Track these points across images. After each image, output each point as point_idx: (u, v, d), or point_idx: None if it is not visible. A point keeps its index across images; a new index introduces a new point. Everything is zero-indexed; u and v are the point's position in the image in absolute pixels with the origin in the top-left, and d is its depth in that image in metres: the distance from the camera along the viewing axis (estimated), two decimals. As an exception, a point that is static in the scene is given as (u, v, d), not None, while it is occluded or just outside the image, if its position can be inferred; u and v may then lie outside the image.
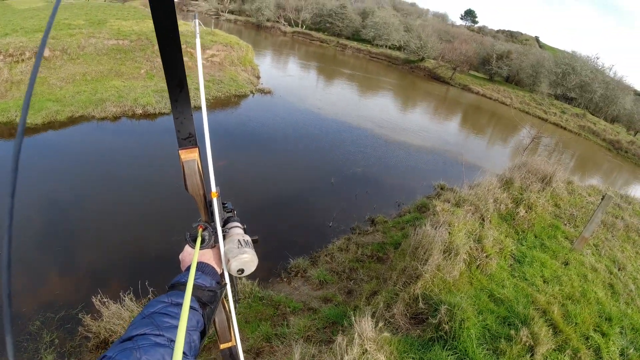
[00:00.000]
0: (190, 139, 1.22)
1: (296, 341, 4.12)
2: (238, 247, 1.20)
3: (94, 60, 19.80)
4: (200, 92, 1.27)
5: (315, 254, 8.90)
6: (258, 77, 26.34)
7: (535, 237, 7.68)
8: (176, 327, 0.91)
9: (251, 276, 7.27)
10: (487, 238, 6.53)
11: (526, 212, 8.15)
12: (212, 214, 1.28)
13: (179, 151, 1.21)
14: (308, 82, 30.48)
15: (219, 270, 1.26)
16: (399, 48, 53.84)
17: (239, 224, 1.39)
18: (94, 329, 6.05)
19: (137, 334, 0.87)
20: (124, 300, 6.25)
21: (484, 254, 6.10)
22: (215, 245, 1.27)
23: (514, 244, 7.02)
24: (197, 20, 1.49)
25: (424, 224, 6.44)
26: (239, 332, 4.97)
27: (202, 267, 1.21)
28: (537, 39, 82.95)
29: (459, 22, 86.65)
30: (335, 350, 3.64)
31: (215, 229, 1.26)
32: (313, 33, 60.76)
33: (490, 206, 7.90)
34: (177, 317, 0.96)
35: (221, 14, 69.55)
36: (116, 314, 6.01)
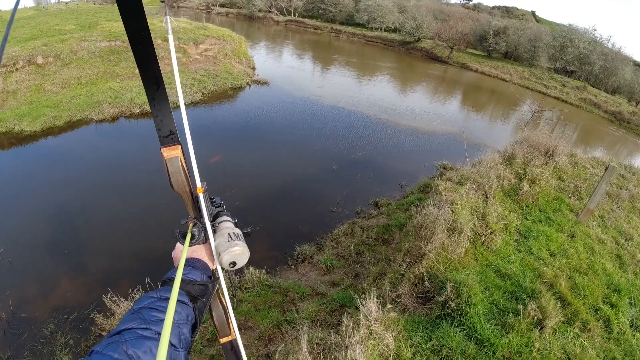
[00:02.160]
0: (171, 137, 1.20)
1: (304, 324, 4.14)
2: (228, 241, 1.20)
3: (88, 64, 19.75)
4: (177, 87, 1.25)
5: (321, 240, 8.95)
6: (253, 69, 26.19)
7: (540, 211, 7.65)
8: (164, 320, 0.93)
9: (259, 265, 7.37)
10: (491, 214, 6.52)
11: (530, 186, 8.11)
12: (200, 209, 1.28)
13: (161, 149, 1.20)
14: (304, 71, 30.15)
15: (211, 266, 1.26)
16: (394, 30, 53.10)
17: (229, 218, 1.37)
18: (107, 327, 6.18)
19: (124, 329, 0.89)
20: (134, 297, 6.34)
21: (489, 231, 6.09)
22: (206, 240, 1.27)
23: (518, 219, 7.01)
24: (168, 17, 1.46)
25: (427, 204, 6.43)
26: (250, 321, 5.00)
27: (192, 262, 1.22)
28: (533, 13, 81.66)
29: (453, 0, 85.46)
30: (342, 332, 3.66)
31: (204, 224, 1.26)
32: (306, 20, 60.05)
33: (493, 182, 7.88)
34: (165, 311, 0.97)
35: (212, 7, 68.76)
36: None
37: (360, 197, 11.15)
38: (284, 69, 29.30)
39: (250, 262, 7.38)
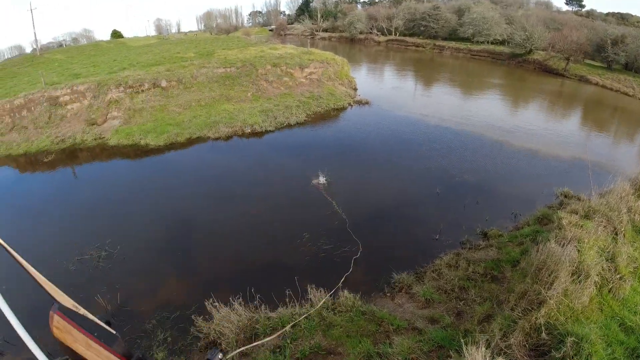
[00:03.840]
0: None
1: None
2: None
3: (206, 88, 22.06)
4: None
5: (420, 269, 8.49)
6: (355, 89, 26.67)
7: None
8: None
9: (354, 289, 7.30)
10: (621, 255, 5.60)
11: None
12: None
13: None
14: (406, 89, 29.70)
15: None
16: (502, 42, 49.79)
17: None
18: (204, 329, 6.63)
19: None
20: (234, 305, 6.74)
21: (618, 275, 5.22)
22: None
23: (651, 262, 5.91)
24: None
25: (548, 240, 5.75)
26: (340, 346, 4.96)
27: None
28: (650, 19, 70.14)
29: (564, 7, 77.23)
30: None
31: None
32: (407, 39, 59.72)
33: (624, 217, 6.79)
34: None
35: (315, 33, 72.35)
36: (226, 317, 6.49)
37: (467, 225, 10.29)
38: (385, 89, 29.26)
39: (345, 285, 7.38)
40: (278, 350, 5.64)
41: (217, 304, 6.75)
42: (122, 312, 7.95)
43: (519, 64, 43.79)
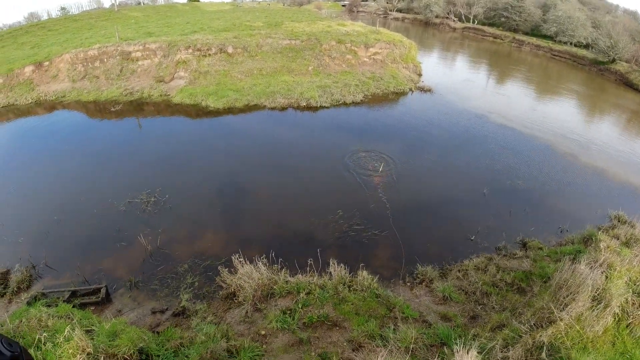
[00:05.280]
0: None
1: (398, 349, 3.99)
2: None
3: (270, 58, 22.42)
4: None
5: (447, 266, 8.40)
6: (420, 75, 25.75)
7: None
8: None
9: (374, 271, 7.46)
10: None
11: None
12: None
13: None
14: (474, 82, 28.01)
15: None
16: (586, 46, 45.67)
17: None
18: (227, 281, 7.20)
19: None
20: (257, 264, 7.25)
21: (640, 312, 4.85)
22: None
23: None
24: None
25: (578, 261, 5.47)
26: (347, 322, 5.15)
27: None
28: None
29: None
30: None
31: None
32: (485, 28, 56.34)
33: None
34: None
35: (389, 12, 70.28)
36: (248, 273, 7.01)
37: (508, 232, 9.89)
38: (452, 78, 27.91)
39: (366, 266, 7.51)
40: (289, 312, 5.99)
41: (242, 259, 7.26)
42: (160, 253, 8.78)
43: (600, 72, 39.93)
